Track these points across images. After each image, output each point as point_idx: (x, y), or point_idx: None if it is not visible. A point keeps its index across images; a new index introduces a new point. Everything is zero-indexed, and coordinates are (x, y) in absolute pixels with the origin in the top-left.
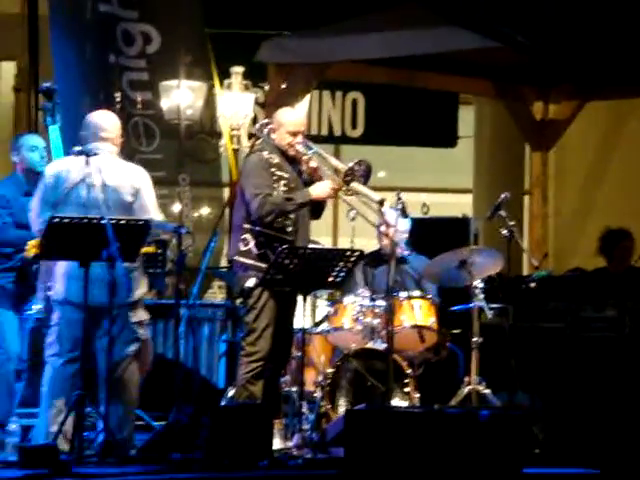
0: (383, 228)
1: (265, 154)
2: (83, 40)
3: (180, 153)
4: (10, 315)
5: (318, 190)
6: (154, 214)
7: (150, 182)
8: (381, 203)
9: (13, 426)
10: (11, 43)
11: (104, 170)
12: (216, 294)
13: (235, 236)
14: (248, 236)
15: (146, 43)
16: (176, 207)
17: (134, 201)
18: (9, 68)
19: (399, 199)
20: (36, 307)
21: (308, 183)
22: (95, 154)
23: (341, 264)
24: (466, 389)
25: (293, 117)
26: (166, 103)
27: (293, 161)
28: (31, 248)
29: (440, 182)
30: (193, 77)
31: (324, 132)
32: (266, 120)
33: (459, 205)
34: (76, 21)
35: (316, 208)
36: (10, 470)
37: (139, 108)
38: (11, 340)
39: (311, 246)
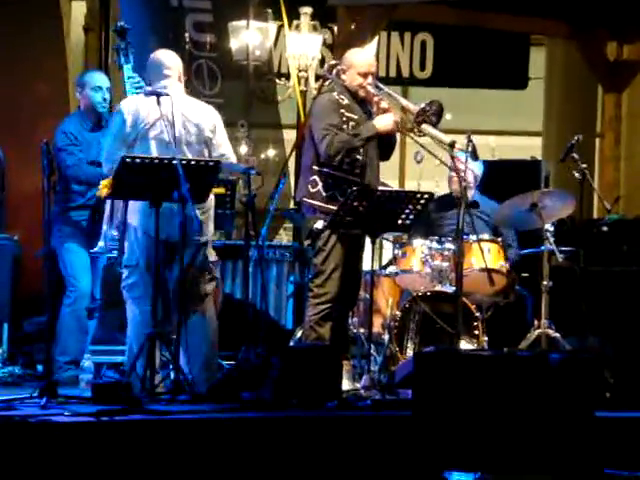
0: (454, 171)
1: (335, 95)
2: None
3: (247, 94)
4: (83, 253)
5: (382, 122)
6: (230, 152)
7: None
8: (452, 145)
9: (86, 363)
10: None
11: (181, 107)
12: (283, 236)
13: (303, 178)
14: (317, 178)
15: None
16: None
17: (212, 137)
18: (79, 7)
19: (469, 141)
20: (100, 243)
21: None
22: (166, 93)
23: (410, 207)
24: (536, 332)
25: (363, 58)
26: (235, 44)
27: (363, 102)
28: (103, 188)
29: (510, 125)
30: (262, 17)
31: (392, 74)
32: (335, 61)
33: (529, 148)
34: None
35: (385, 149)
36: (84, 405)
37: (203, 50)
38: (84, 277)
39: (381, 188)
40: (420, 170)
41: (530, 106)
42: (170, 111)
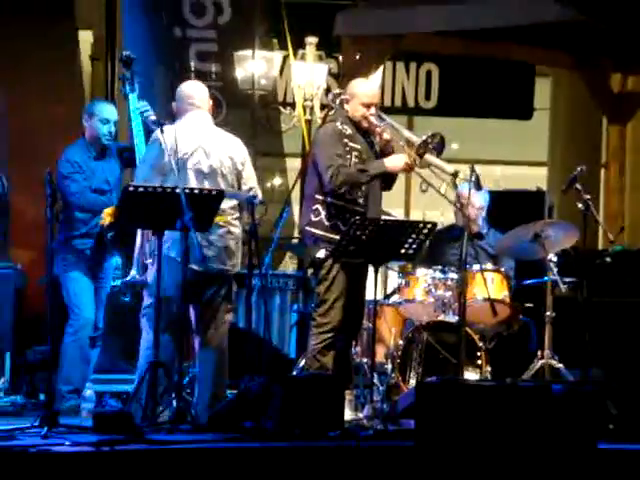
0: (458, 202)
1: (338, 125)
2: (150, 12)
3: (252, 123)
4: (86, 281)
5: (393, 162)
6: (256, 185)
7: None
8: (455, 175)
9: (88, 392)
10: (89, 12)
11: (215, 138)
12: (287, 264)
13: (306, 206)
14: (319, 207)
15: (218, 14)
16: None
17: (242, 170)
18: (86, 36)
19: (473, 171)
20: (132, 273)
21: (380, 155)
22: (168, 123)
23: (414, 236)
24: (539, 363)
25: (367, 88)
26: (240, 73)
27: (365, 133)
28: (107, 216)
29: (515, 155)
30: (267, 47)
31: (397, 103)
32: (339, 90)
33: (534, 178)
34: None
35: (387, 180)
36: (84, 435)
37: (208, 79)
38: (87, 306)
39: (384, 217)
40: (425, 199)
41: (535, 136)
42: (206, 142)
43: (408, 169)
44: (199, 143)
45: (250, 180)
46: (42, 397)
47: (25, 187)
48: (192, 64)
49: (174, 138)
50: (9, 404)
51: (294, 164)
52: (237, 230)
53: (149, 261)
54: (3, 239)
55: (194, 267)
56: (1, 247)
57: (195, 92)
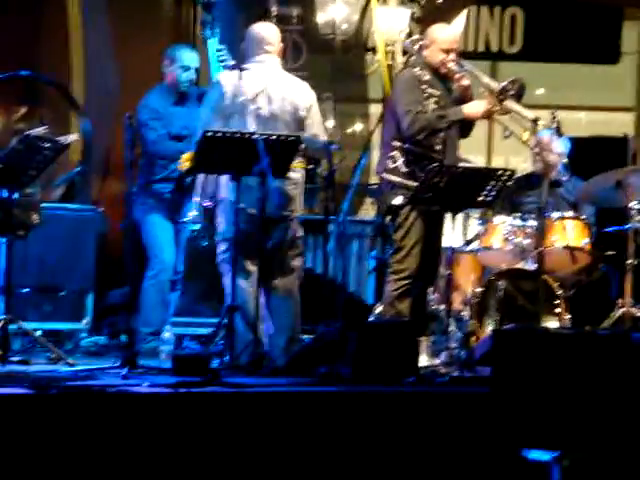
0: (537, 149)
1: (416, 71)
2: None
3: (334, 68)
4: (167, 225)
5: (472, 109)
6: (322, 132)
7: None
8: (535, 122)
9: (167, 335)
10: None
11: (281, 83)
12: (368, 210)
13: (384, 153)
14: (396, 153)
15: None
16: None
17: (306, 117)
18: None
19: (554, 118)
20: (191, 214)
21: (459, 101)
22: (247, 68)
23: (492, 183)
24: (619, 311)
25: (446, 34)
26: (322, 17)
27: (444, 78)
28: (185, 161)
29: (602, 100)
30: None
31: (481, 48)
32: (418, 36)
33: (621, 124)
34: None
35: (465, 127)
36: (164, 376)
37: (289, 23)
38: (167, 250)
39: (461, 164)
40: (508, 146)
41: (623, 81)
42: (270, 86)
43: (487, 115)
44: (262, 87)
45: (314, 127)
46: (123, 338)
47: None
48: (273, 8)
49: (237, 81)
50: (92, 344)
51: (375, 109)
52: (296, 175)
53: (208, 203)
54: (82, 183)
55: (252, 212)
56: (83, 190)
57: (265, 35)
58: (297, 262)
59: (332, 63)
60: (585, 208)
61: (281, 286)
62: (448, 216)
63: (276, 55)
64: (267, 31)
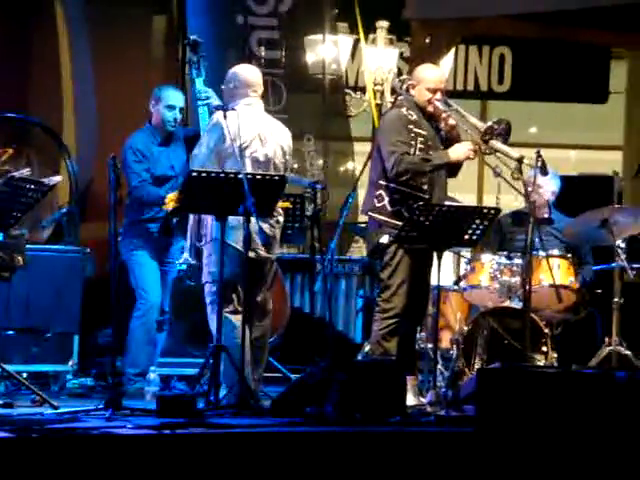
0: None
1: (403, 110)
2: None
3: (323, 107)
4: (153, 265)
5: (457, 152)
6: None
7: None
8: (520, 161)
9: (152, 375)
10: None
11: (270, 128)
12: (359, 249)
13: (370, 192)
14: (383, 192)
15: (278, 1)
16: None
17: (289, 159)
18: (161, 20)
19: (539, 157)
20: (185, 256)
21: (446, 140)
22: (232, 109)
23: (477, 222)
24: (606, 350)
25: (433, 74)
26: (310, 57)
27: (431, 118)
28: (170, 201)
29: (591, 139)
30: (337, 32)
31: (470, 87)
32: (405, 76)
33: (611, 162)
34: None
35: (453, 167)
36: (148, 418)
37: (268, 67)
38: (153, 290)
39: (447, 203)
40: (499, 184)
41: (611, 120)
42: (263, 131)
43: (472, 157)
44: (257, 131)
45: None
46: (110, 379)
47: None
48: (254, 51)
49: (237, 124)
50: (78, 386)
51: (364, 148)
52: (279, 216)
53: (201, 243)
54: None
55: (252, 254)
56: (70, 231)
57: (252, 78)
58: (271, 304)
59: (317, 103)
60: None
61: (263, 326)
62: (439, 254)
63: (259, 98)
64: (253, 74)
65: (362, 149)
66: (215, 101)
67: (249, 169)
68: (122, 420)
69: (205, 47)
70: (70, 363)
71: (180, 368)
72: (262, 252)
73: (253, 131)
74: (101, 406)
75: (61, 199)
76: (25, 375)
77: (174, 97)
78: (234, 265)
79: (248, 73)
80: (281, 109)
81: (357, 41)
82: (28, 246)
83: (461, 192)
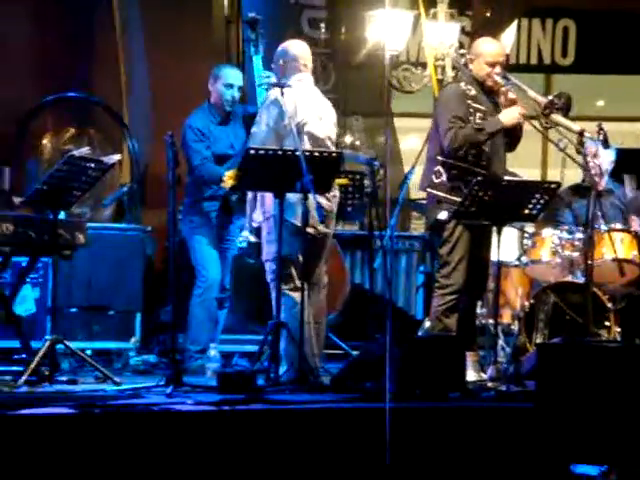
0: (588, 159)
1: (462, 85)
2: None
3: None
4: (213, 243)
5: (507, 116)
6: None
7: None
8: (581, 134)
9: (212, 352)
10: None
11: (323, 104)
12: (419, 225)
13: (428, 168)
14: (441, 168)
15: None
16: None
17: (335, 133)
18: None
19: (600, 130)
20: (244, 234)
21: None
22: (289, 85)
23: (537, 196)
24: None
25: (491, 47)
26: (371, 33)
27: (490, 93)
28: (228, 179)
29: None
30: (398, 6)
31: (534, 61)
32: (464, 50)
33: None
34: None
35: (511, 140)
36: (208, 394)
37: (317, 46)
38: (213, 268)
39: (507, 178)
40: (563, 158)
41: None
42: (318, 107)
43: (524, 118)
44: (313, 108)
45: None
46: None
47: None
48: (305, 30)
49: (293, 101)
50: (141, 363)
51: (426, 124)
52: (335, 192)
53: (259, 220)
54: (130, 202)
55: (303, 228)
56: (132, 210)
57: (302, 53)
58: (326, 279)
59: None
60: (634, 218)
61: (320, 301)
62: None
63: (311, 73)
64: (303, 50)
65: (424, 125)
66: (273, 79)
67: (307, 146)
68: (183, 396)
69: (264, 24)
70: (132, 340)
71: (241, 345)
72: (321, 228)
73: (310, 108)
74: (162, 383)
75: (122, 178)
76: (89, 352)
77: (232, 76)
78: (294, 242)
79: (296, 48)
80: (330, 90)
81: (418, 16)
82: (89, 225)
83: (525, 167)
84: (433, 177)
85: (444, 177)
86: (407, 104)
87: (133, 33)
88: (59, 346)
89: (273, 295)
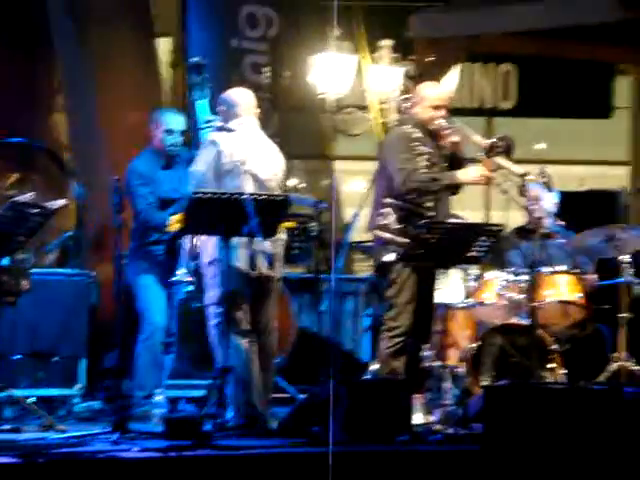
0: (531, 202)
1: (407, 128)
2: (212, 22)
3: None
4: (159, 287)
5: (468, 176)
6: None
7: None
8: (523, 176)
9: (158, 397)
10: (167, 19)
11: (265, 146)
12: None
13: (375, 210)
14: (388, 210)
15: (268, 27)
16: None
17: (282, 177)
18: (166, 43)
19: (543, 172)
20: (180, 272)
21: (449, 158)
22: (233, 130)
23: (482, 239)
24: (614, 366)
25: (435, 91)
26: (314, 77)
27: (435, 136)
28: (174, 223)
29: (597, 154)
30: (341, 50)
31: (475, 104)
32: (407, 95)
33: (620, 177)
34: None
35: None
36: (155, 441)
37: (259, 91)
38: (159, 312)
39: (452, 220)
40: (506, 200)
41: (617, 135)
42: (259, 148)
43: (483, 182)
44: (253, 149)
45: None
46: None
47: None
48: (246, 75)
49: (232, 142)
50: (85, 410)
51: (369, 167)
52: (283, 236)
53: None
54: (75, 247)
55: (245, 271)
56: (76, 255)
57: (243, 98)
58: (275, 323)
59: (322, 122)
60: (582, 260)
61: (269, 346)
62: (446, 272)
63: (252, 117)
64: (244, 97)
65: (367, 167)
66: (219, 123)
67: (247, 186)
68: (129, 443)
69: (206, 70)
70: (77, 387)
71: (188, 390)
72: (266, 271)
73: (249, 148)
74: (108, 429)
75: (66, 223)
76: (33, 399)
77: (173, 121)
78: (239, 285)
79: (238, 95)
80: (273, 134)
81: (362, 60)
82: (33, 270)
83: (468, 209)
84: (380, 219)
85: (391, 219)
86: (350, 147)
87: (77, 79)
88: (2, 394)
89: (215, 341)
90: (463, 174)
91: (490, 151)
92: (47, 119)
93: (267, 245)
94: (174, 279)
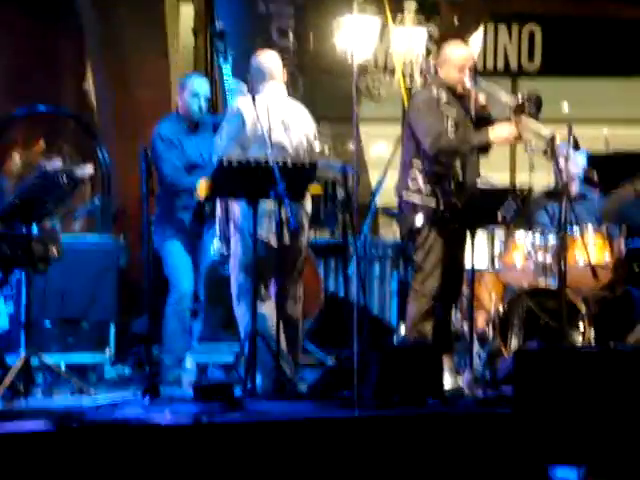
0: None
1: (433, 91)
2: None
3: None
4: (186, 253)
5: (498, 133)
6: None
7: None
8: (551, 137)
9: (188, 363)
10: None
11: (292, 112)
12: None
13: (403, 173)
14: (416, 173)
15: None
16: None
17: (312, 142)
18: (188, 10)
19: (570, 132)
20: (216, 246)
21: (476, 120)
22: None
23: (511, 202)
24: None
25: (460, 52)
26: (338, 40)
27: (461, 98)
28: (201, 190)
29: (624, 114)
30: (365, 13)
31: (500, 65)
32: (433, 56)
33: None
34: None
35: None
36: (185, 405)
37: (286, 55)
38: (186, 278)
39: (480, 183)
40: (531, 161)
41: None
42: (286, 115)
43: (513, 140)
44: (280, 117)
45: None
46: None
47: (131, 162)
48: (275, 39)
49: (257, 110)
50: (116, 375)
51: (394, 131)
52: (308, 202)
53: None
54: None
55: (268, 240)
56: (104, 221)
57: (271, 64)
58: (302, 290)
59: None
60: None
61: (295, 313)
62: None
63: (280, 82)
64: (272, 60)
65: (392, 131)
66: (242, 88)
67: (275, 154)
68: (160, 409)
69: (231, 37)
70: (107, 352)
71: (217, 355)
72: (288, 239)
73: (276, 117)
74: (139, 395)
75: (94, 190)
76: (63, 366)
77: (198, 85)
78: (264, 254)
79: (266, 59)
80: (300, 96)
81: (385, 23)
82: (62, 237)
83: (493, 170)
84: (409, 182)
85: (420, 182)
86: (375, 110)
87: (100, 47)
88: (34, 360)
89: (236, 310)
90: (494, 133)
91: (518, 110)
92: (75, 88)
93: (296, 213)
94: (209, 252)
